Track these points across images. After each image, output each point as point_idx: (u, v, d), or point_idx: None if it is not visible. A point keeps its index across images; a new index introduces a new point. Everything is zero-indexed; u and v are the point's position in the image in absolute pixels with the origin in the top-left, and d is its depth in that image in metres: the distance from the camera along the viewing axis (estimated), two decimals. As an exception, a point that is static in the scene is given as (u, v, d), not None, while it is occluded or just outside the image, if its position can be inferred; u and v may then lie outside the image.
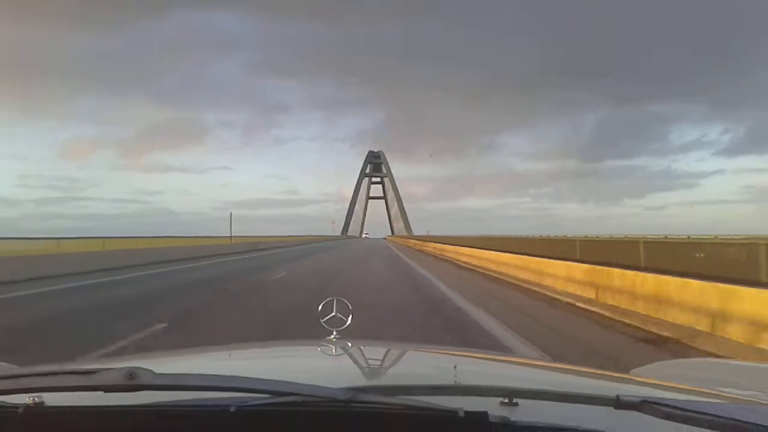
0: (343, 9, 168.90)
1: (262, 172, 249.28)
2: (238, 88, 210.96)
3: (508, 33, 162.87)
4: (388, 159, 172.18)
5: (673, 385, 1.37)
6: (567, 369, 1.88)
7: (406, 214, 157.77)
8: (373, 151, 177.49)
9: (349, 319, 1.97)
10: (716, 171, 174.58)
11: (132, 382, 0.93)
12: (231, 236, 40.90)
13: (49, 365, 1.23)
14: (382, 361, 1.76)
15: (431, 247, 41.45)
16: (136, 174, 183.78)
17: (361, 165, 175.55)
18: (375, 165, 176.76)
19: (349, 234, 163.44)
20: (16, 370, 1.36)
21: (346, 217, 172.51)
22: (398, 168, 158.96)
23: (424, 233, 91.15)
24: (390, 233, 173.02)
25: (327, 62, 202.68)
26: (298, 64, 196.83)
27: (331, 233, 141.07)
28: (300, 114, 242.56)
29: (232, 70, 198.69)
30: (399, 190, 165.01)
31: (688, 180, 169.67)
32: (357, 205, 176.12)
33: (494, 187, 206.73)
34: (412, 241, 63.29)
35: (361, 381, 1.37)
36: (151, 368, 0.96)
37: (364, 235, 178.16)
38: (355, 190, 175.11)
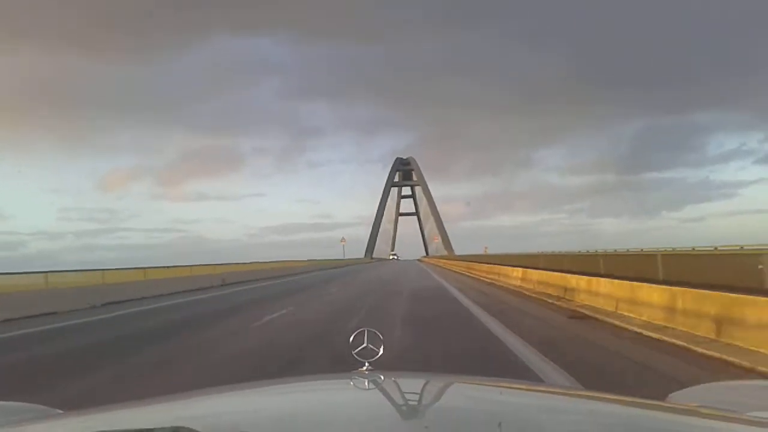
0: (376, 28, 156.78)
1: (294, 197, 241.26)
2: (272, 114, 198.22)
3: (543, 46, 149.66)
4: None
5: (718, 413, 1.33)
6: (609, 399, 1.63)
7: (444, 229, 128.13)
8: (402, 158, 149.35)
9: (381, 350, 1.89)
10: (756, 180, 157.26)
11: None
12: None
13: (90, 413, 1.45)
14: (421, 396, 1.59)
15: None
16: (172, 203, 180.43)
17: (388, 174, 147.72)
18: (404, 172, 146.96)
19: (374, 256, 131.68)
20: (57, 420, 1.51)
21: (371, 236, 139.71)
22: (433, 187, 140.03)
23: (479, 251, 59.68)
24: (425, 254, 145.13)
25: (360, 82, 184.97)
26: (331, 85, 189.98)
27: (350, 256, 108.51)
28: (333, 136, 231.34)
29: (268, 95, 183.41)
30: (435, 201, 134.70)
31: (726, 190, 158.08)
32: (385, 222, 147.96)
33: (529, 204, 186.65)
34: (481, 268, 29.75)
35: (403, 423, 1.27)
36: (190, 410, 1.08)
37: (391, 257, 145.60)
38: (381, 202, 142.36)
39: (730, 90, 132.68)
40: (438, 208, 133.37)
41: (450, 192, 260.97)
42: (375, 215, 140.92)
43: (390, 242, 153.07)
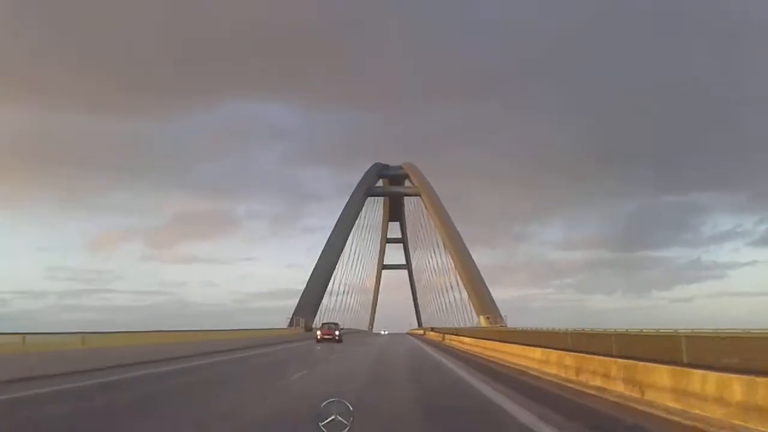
0: (381, 97, 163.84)
1: (284, 262, 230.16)
2: (271, 179, 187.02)
3: (545, 122, 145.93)
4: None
5: None
6: None
7: (478, 272, 68.50)
8: (386, 164, 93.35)
9: (350, 422, 1.93)
10: (749, 262, 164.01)
11: None
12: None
13: None
14: None
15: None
16: (162, 265, 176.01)
17: (359, 181, 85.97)
18: (391, 178, 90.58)
19: (320, 324, 55.55)
20: None
21: (309, 284, 75.31)
22: (429, 257, 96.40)
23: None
24: (417, 324, 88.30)
25: (361, 150, 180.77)
26: (333, 152, 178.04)
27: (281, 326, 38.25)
28: (330, 202, 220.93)
29: (269, 160, 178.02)
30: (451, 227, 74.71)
31: (717, 271, 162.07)
32: (346, 256, 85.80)
33: (521, 278, 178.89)
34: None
35: None
36: None
37: (317, 332, 47.84)
38: (338, 223, 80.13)
39: (728, 172, 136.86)
40: (426, 282, 76.21)
41: (441, 263, 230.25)
42: (324, 246, 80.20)
43: (369, 308, 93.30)
